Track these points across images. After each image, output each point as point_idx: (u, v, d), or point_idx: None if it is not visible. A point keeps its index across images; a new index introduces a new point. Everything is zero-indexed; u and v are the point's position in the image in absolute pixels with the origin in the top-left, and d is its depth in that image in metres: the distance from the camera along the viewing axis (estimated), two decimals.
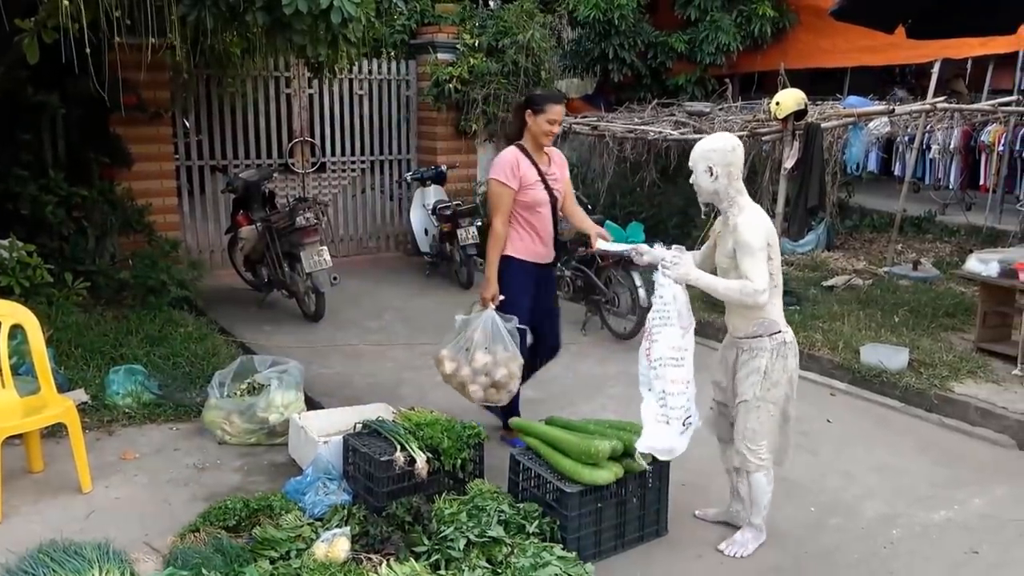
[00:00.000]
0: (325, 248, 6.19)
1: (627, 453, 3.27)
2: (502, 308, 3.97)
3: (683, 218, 8.18)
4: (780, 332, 3.23)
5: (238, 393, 4.31)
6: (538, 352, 4.35)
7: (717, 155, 3.16)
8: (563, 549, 3.04)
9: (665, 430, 3.14)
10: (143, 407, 4.49)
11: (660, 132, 7.53)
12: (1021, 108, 8.91)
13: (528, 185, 3.99)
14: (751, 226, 3.13)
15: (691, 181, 3.24)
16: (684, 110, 8.23)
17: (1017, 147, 9.43)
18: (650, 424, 3.15)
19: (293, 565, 2.94)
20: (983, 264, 5.55)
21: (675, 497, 3.58)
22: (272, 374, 4.32)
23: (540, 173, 4.02)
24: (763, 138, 7.07)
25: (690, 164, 3.23)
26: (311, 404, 4.54)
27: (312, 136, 8.45)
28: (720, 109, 8.23)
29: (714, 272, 3.33)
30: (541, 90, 4.08)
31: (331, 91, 8.40)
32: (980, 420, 4.70)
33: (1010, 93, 9.85)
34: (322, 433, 3.82)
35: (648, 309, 5.84)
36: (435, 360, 3.97)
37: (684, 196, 8.42)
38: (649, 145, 7.76)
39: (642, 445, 3.16)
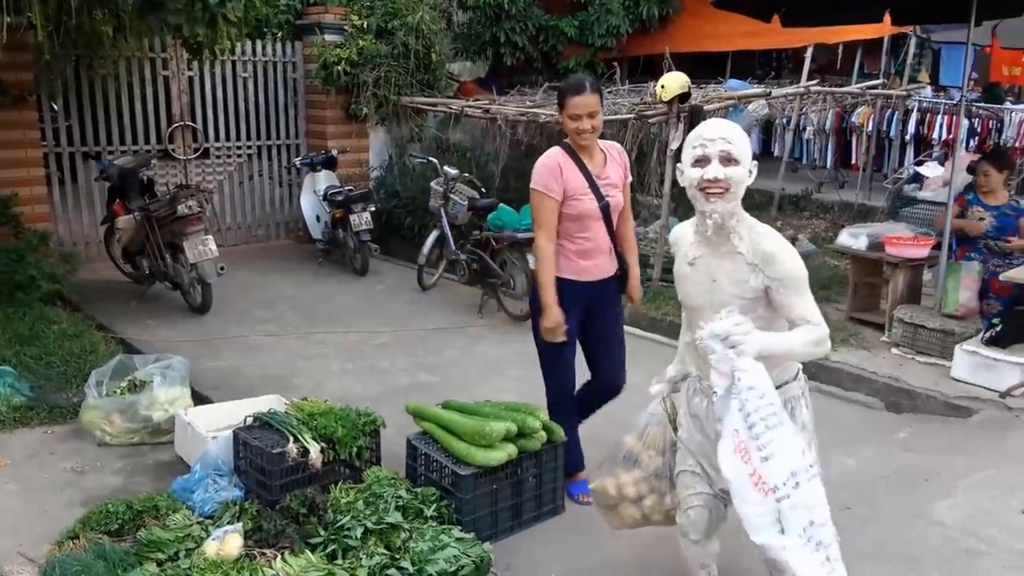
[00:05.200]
0: (210, 237, 5.96)
1: (522, 433, 3.31)
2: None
3: None
4: (799, 368, 2.54)
5: (118, 391, 4.12)
6: (595, 387, 3.67)
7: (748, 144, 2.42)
8: (461, 531, 3.06)
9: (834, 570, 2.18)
10: (14, 410, 4.23)
11: (551, 115, 7.59)
12: (887, 91, 9.49)
13: (574, 195, 3.33)
14: (789, 250, 2.36)
15: (728, 176, 2.31)
16: None
17: (884, 128, 10.05)
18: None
19: (182, 566, 2.84)
20: (853, 238, 5.89)
21: None
22: (154, 370, 4.14)
23: (590, 177, 3.37)
24: (650, 120, 7.24)
25: (733, 150, 2.32)
26: (199, 399, 4.38)
27: (193, 121, 8.09)
28: (609, 92, 8.37)
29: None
30: (566, 81, 3.42)
31: (212, 73, 8.06)
32: (853, 385, 5.01)
33: (878, 77, 10.48)
34: (211, 428, 3.71)
35: None
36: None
37: None
38: (542, 128, 7.82)
39: None
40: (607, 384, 3.63)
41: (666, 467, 2.75)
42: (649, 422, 2.82)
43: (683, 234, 2.56)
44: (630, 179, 3.56)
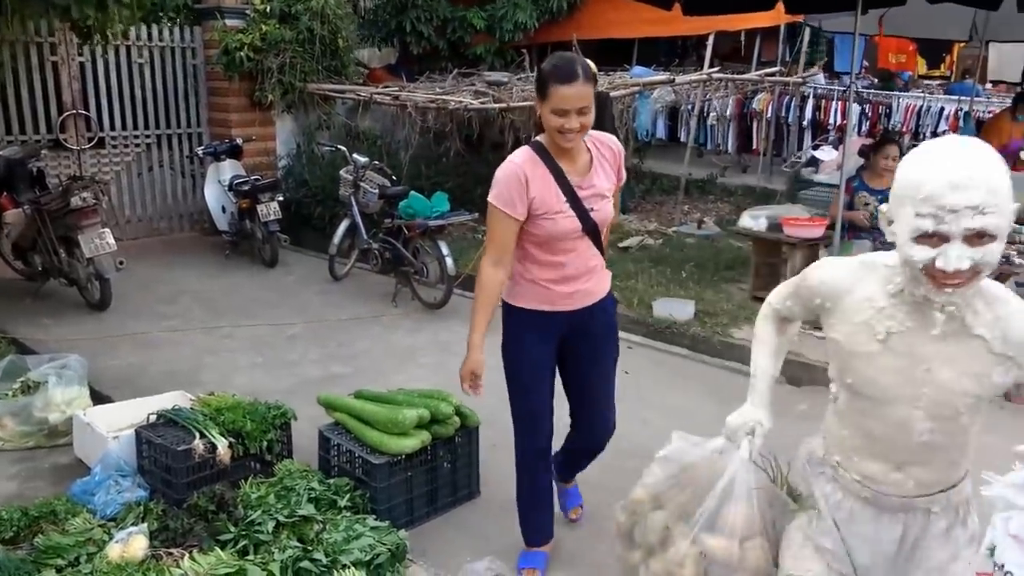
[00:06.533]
0: (107, 230, 5.72)
1: (435, 420, 3.32)
2: (515, 387, 2.84)
3: (487, 187, 8.31)
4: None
5: (10, 394, 3.92)
6: (576, 442, 3.07)
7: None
8: (376, 519, 3.05)
9: None
10: None
11: (461, 102, 7.59)
12: (784, 79, 9.86)
13: (544, 213, 2.62)
14: None
15: (979, 261, 1.49)
16: (483, 80, 8.34)
17: (783, 113, 10.45)
18: None
19: (83, 571, 2.74)
20: (754, 220, 6.11)
21: (486, 458, 3.69)
22: (49, 370, 3.96)
23: (569, 189, 2.64)
24: None
25: (990, 223, 1.46)
26: (99, 399, 4.21)
27: (86, 109, 7.72)
28: (518, 79, 8.42)
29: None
30: (552, 62, 2.59)
31: (105, 59, 7.70)
32: None
33: (775, 64, 10.88)
34: (112, 428, 3.58)
35: (456, 278, 6.01)
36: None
37: (489, 165, 8.57)
38: (452, 115, 7.81)
39: None
40: (586, 441, 3.03)
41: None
42: (731, 499, 1.90)
43: (848, 287, 1.72)
44: (624, 178, 2.85)
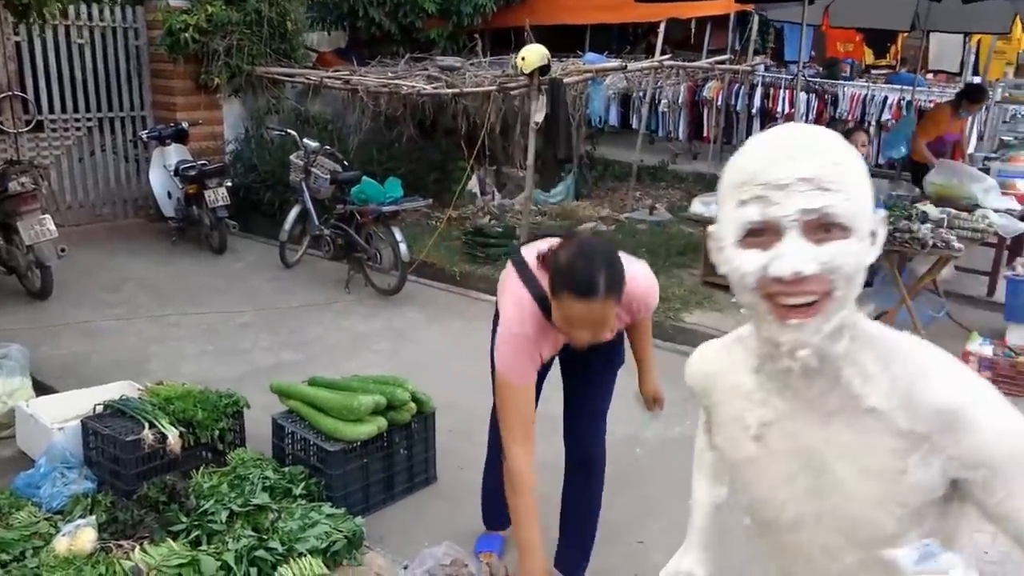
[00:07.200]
0: (48, 217, 5.54)
1: (391, 406, 3.31)
2: None
3: (441, 173, 8.29)
4: None
5: None
6: (566, 448, 2.89)
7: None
8: (331, 507, 3.03)
9: None
10: None
11: (413, 87, 7.52)
12: (733, 67, 9.99)
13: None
14: (992, 397, 1.07)
15: (828, 265, 1.03)
16: (436, 65, 8.27)
17: (732, 101, 10.60)
18: None
19: (29, 565, 2.67)
20: (705, 206, 6.20)
21: (443, 444, 3.68)
22: None
23: (566, 347, 2.46)
24: (512, 92, 7.31)
25: (834, 205, 1.03)
26: (42, 389, 4.08)
27: (23, 91, 7.43)
28: (471, 64, 8.37)
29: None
30: (571, 261, 2.08)
31: (43, 39, 7.43)
32: None
33: (724, 52, 11.01)
34: (57, 419, 3.48)
35: (410, 264, 5.97)
36: None
37: (442, 151, 8.54)
38: (404, 100, 7.73)
39: None
40: (572, 452, 2.86)
41: None
42: None
43: (716, 370, 1.32)
44: (639, 315, 2.52)
